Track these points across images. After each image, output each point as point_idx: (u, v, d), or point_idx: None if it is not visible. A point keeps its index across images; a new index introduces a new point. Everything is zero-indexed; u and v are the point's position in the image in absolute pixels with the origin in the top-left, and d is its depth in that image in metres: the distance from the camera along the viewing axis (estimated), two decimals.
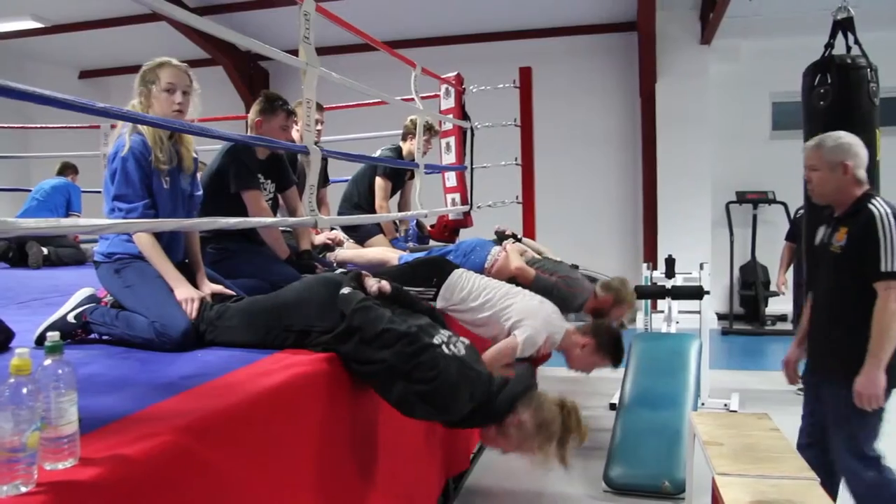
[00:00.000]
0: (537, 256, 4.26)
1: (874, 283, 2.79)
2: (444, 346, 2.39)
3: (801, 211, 5.44)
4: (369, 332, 2.34)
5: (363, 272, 2.64)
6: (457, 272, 3.54)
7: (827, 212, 3.13)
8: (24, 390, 1.30)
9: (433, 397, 2.30)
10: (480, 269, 3.97)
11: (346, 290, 2.48)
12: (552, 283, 3.93)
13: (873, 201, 2.88)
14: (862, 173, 2.96)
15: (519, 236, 4.53)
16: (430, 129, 5.16)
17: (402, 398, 2.33)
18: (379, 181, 5.12)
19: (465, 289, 3.46)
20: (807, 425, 3.16)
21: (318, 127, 4.46)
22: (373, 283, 2.57)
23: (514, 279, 3.93)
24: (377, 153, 5.30)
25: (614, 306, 3.99)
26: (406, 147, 5.25)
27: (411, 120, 5.12)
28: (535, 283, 3.90)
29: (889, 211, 2.83)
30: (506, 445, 2.52)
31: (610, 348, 3.45)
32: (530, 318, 3.32)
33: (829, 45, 4.12)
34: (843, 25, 4.17)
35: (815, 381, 3.14)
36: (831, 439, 2.89)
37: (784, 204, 8.48)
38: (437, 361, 2.30)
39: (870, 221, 2.83)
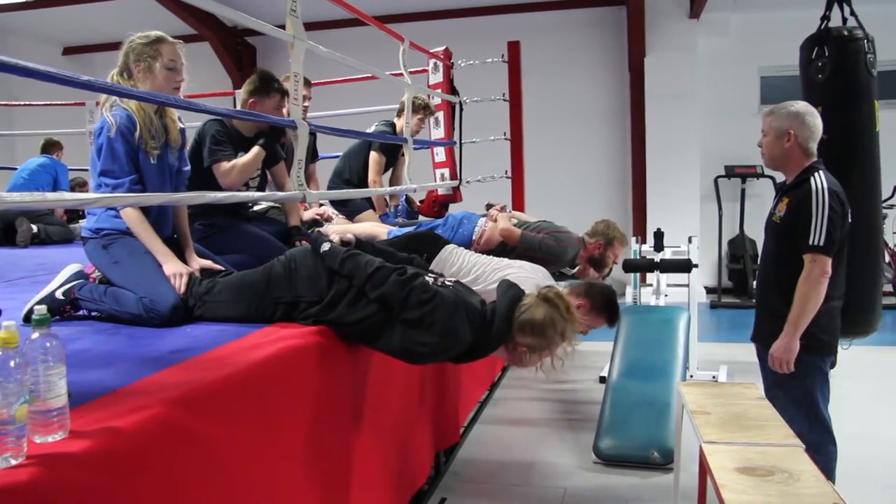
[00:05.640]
0: (524, 220, 4.29)
1: (803, 254, 2.88)
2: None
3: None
4: (361, 275, 2.36)
5: (321, 230, 2.68)
6: (448, 248, 3.55)
7: (780, 183, 3.20)
8: (12, 363, 1.29)
9: (433, 321, 2.30)
10: (469, 242, 3.98)
11: (326, 247, 2.50)
12: (538, 240, 3.96)
13: (816, 175, 2.94)
14: (810, 145, 3.01)
15: (508, 209, 4.54)
16: (424, 108, 5.14)
17: (404, 342, 2.34)
18: (373, 155, 5.08)
19: (456, 264, 3.47)
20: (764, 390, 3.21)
21: (306, 103, 4.42)
22: (335, 237, 2.64)
23: (503, 245, 3.95)
24: (371, 128, 5.26)
25: (607, 249, 4.05)
26: (400, 123, 5.23)
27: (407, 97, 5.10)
28: (521, 241, 3.93)
29: (826, 186, 2.90)
30: (523, 361, 2.51)
31: (605, 307, 3.47)
32: (523, 285, 3.33)
33: (826, 18, 4.10)
34: None
35: (758, 348, 3.21)
36: (774, 403, 2.94)
37: (772, 178, 8.49)
38: (430, 287, 2.34)
39: (807, 194, 2.90)
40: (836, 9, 4.12)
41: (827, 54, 3.93)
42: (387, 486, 2.91)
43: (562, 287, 3.57)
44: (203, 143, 3.39)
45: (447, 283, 2.52)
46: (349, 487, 2.53)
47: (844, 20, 4.09)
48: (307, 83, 4.43)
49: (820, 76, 3.92)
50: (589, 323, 3.48)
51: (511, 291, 2.57)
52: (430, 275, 2.53)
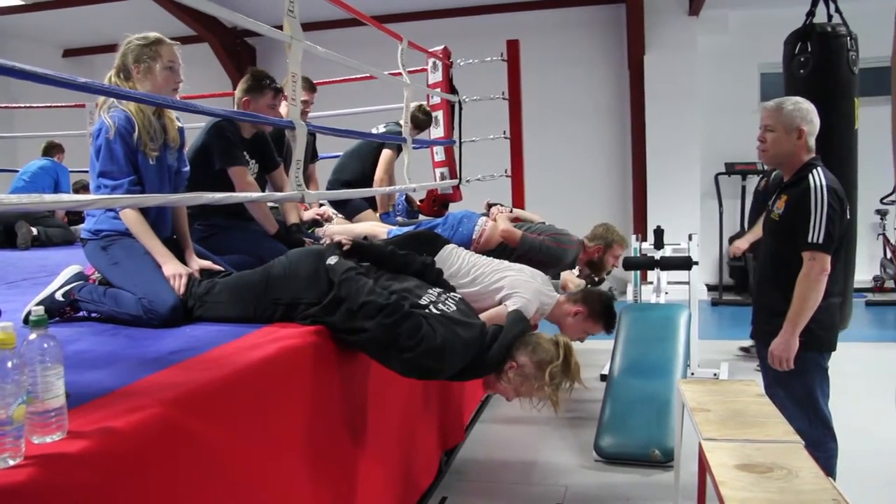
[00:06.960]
0: (526, 219, 4.30)
1: (801, 251, 2.88)
2: (431, 307, 2.44)
3: (763, 180, 5.56)
4: (353, 303, 2.36)
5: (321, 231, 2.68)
6: (447, 248, 3.54)
7: (777, 179, 3.19)
8: (9, 364, 1.29)
9: (420, 363, 2.35)
10: (468, 241, 3.98)
11: (332, 260, 2.51)
12: (539, 242, 3.98)
13: (814, 171, 2.93)
14: (812, 141, 3.00)
15: (510, 209, 4.54)
16: (426, 114, 5.16)
17: (399, 363, 2.38)
18: (386, 152, 5.04)
19: (455, 265, 3.46)
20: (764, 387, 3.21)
21: (305, 108, 4.41)
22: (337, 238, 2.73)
23: (503, 245, 3.95)
24: (381, 128, 5.24)
25: (606, 252, 4.09)
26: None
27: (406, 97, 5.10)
28: (521, 243, 3.94)
29: (825, 183, 2.88)
30: (506, 391, 2.60)
31: (602, 314, 3.48)
32: (521, 290, 3.34)
33: (811, 14, 4.11)
34: None
35: (757, 346, 3.22)
36: (774, 400, 2.94)
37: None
38: (420, 327, 2.32)
39: (806, 192, 2.89)
40: (822, 6, 4.14)
41: (810, 50, 3.93)
42: (392, 488, 2.90)
43: (561, 295, 3.57)
44: (212, 144, 3.38)
45: (446, 305, 2.52)
46: (353, 490, 2.52)
47: (829, 17, 4.09)
48: (311, 87, 4.43)
49: (802, 71, 3.93)
50: (586, 329, 3.49)
51: (518, 327, 2.62)
52: (430, 294, 2.53)
